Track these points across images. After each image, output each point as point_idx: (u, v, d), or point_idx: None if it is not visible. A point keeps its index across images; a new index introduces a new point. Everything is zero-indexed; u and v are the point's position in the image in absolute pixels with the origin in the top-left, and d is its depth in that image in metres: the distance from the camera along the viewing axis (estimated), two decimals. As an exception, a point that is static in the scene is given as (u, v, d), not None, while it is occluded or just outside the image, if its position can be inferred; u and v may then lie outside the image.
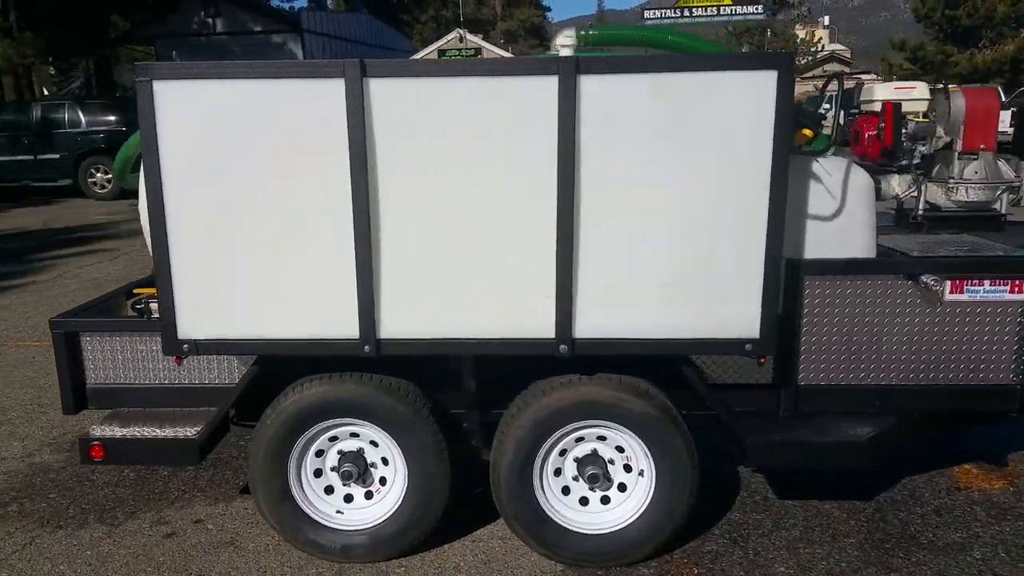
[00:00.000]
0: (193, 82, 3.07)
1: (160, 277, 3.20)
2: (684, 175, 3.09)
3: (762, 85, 2.98)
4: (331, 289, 3.20)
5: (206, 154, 3.12)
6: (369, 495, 3.65)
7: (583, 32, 4.09)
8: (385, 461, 3.60)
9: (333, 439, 3.58)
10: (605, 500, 3.61)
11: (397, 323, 3.24)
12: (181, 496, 4.31)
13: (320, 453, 3.60)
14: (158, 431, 3.58)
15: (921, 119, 4.29)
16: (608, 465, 3.57)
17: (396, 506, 3.57)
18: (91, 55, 32.70)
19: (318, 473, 3.61)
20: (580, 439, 3.53)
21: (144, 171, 3.12)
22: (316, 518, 3.59)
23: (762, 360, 3.33)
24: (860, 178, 3.60)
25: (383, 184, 3.12)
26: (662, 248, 3.15)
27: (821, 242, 3.60)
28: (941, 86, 4.11)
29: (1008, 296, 3.55)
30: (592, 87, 3.02)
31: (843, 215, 3.58)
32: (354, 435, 3.57)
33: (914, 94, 4.30)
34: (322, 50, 35.36)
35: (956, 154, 4.13)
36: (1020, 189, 4.20)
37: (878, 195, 4.17)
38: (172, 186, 3.14)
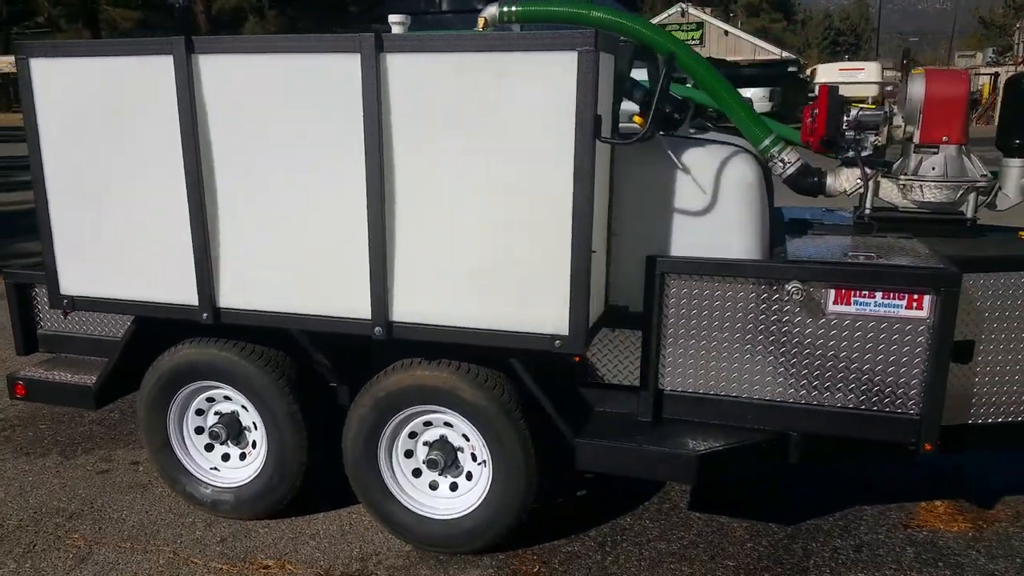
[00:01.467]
0: (60, 59, 3.33)
1: (42, 235, 3.53)
2: (488, 162, 2.95)
3: (561, 68, 2.77)
4: (176, 257, 3.37)
5: (73, 123, 3.38)
6: (243, 456, 3.83)
7: (505, 8, 3.93)
8: (256, 426, 3.76)
9: (211, 400, 3.79)
10: (454, 487, 3.55)
11: (233, 294, 3.36)
12: (140, 439, 4.73)
13: (201, 412, 3.82)
14: (68, 377, 3.96)
15: (867, 105, 3.73)
16: (458, 452, 3.51)
17: (258, 470, 3.72)
18: (329, 32, 35.60)
19: (200, 430, 3.84)
20: (428, 423, 3.50)
21: (27, 138, 3.45)
22: (192, 471, 3.83)
23: (577, 358, 3.12)
24: (736, 172, 3.24)
25: (216, 160, 3.24)
26: (471, 237, 3.03)
27: (694, 240, 3.30)
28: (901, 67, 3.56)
29: (904, 312, 3.08)
30: (398, 66, 2.95)
31: (716, 211, 3.26)
32: (228, 398, 3.75)
33: (861, 76, 3.80)
34: (543, 26, 35.97)
35: (912, 147, 3.58)
36: (994, 190, 3.56)
37: (823, 190, 3.72)
38: (47, 151, 3.44)
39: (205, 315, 3.38)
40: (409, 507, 3.54)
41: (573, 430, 3.28)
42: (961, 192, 3.50)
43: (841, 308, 3.14)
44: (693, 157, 3.25)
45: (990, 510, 3.97)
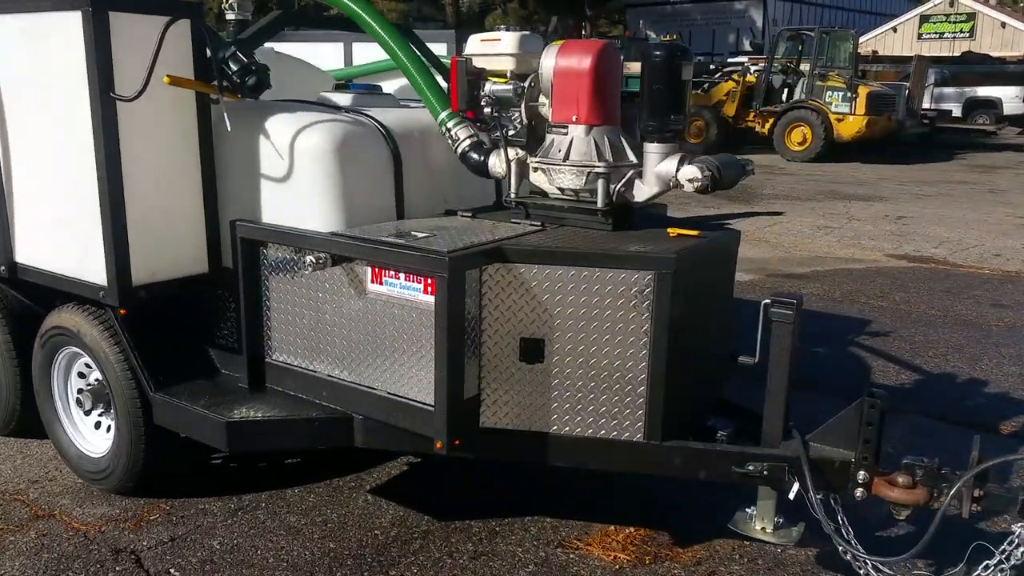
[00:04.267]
0: None
1: None
2: (47, 118, 3.19)
3: (69, 26, 2.92)
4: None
5: None
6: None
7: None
8: None
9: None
10: (109, 428, 3.80)
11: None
12: None
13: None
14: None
15: (499, 80, 3.37)
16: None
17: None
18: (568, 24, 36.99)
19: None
20: (89, 365, 3.77)
21: None
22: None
23: (122, 311, 3.22)
24: (310, 141, 3.18)
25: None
26: (48, 188, 3.28)
27: (281, 207, 3.28)
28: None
29: (422, 297, 2.87)
30: (-6, 30, 3.26)
31: (294, 179, 3.23)
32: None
33: (498, 47, 3.39)
34: (787, 16, 34.43)
35: (547, 126, 3.26)
36: (625, 178, 3.12)
37: (486, 169, 3.48)
38: None
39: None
40: (74, 441, 3.84)
41: (155, 384, 3.38)
42: (585, 178, 3.13)
43: (377, 288, 2.99)
44: (273, 124, 3.23)
45: (682, 548, 3.49)
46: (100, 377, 3.71)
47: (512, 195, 3.37)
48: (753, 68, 19.34)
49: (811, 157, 17.39)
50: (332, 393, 3.22)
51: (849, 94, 17.35)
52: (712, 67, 21.57)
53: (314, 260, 2.96)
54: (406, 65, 3.55)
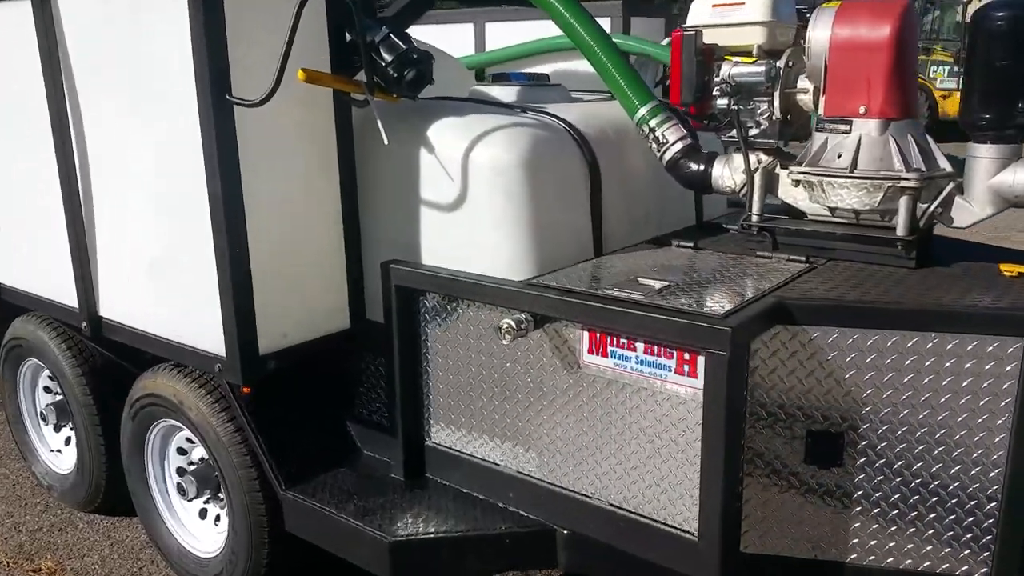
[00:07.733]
0: None
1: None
2: (137, 132, 2.38)
3: (171, 11, 2.11)
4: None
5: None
6: (68, 441, 3.61)
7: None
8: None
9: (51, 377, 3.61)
10: (218, 519, 3.02)
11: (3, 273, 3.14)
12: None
13: (48, 390, 3.67)
14: None
15: (744, 59, 2.44)
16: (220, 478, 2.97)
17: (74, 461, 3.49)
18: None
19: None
20: (192, 440, 2.99)
21: None
22: (38, 450, 3.72)
23: (245, 390, 2.40)
24: (487, 153, 2.33)
25: None
26: (138, 222, 2.48)
27: (449, 243, 2.44)
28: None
29: (673, 378, 1.99)
30: (66, 8, 2.47)
31: (467, 205, 2.37)
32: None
33: (740, 14, 2.47)
34: None
35: (815, 122, 2.34)
36: (943, 194, 2.20)
37: (708, 184, 2.58)
38: None
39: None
40: (174, 533, 3.07)
41: (285, 479, 2.57)
42: (882, 195, 2.21)
43: (597, 360, 2.12)
44: (433, 132, 2.38)
45: None
46: (206, 456, 2.93)
47: (753, 217, 2.46)
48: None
49: (915, 137, 16.17)
50: (522, 495, 2.37)
51: (957, 68, 15.98)
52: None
53: (513, 325, 2.09)
54: (591, 48, 2.65)
